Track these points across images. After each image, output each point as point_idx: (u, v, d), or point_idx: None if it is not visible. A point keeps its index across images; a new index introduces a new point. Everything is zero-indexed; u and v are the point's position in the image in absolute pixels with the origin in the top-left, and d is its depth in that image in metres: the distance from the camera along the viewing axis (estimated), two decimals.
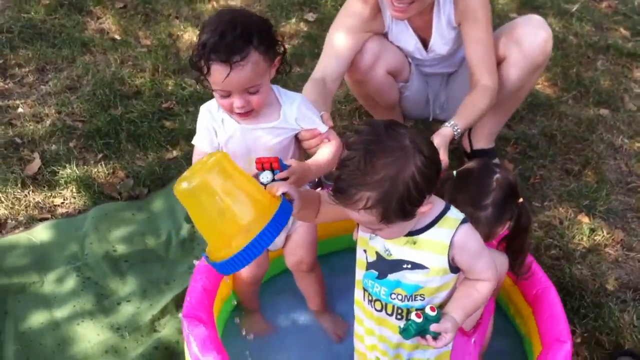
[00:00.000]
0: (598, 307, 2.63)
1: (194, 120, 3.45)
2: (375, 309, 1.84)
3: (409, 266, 1.74)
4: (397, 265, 1.75)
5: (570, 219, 3.07)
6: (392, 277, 1.77)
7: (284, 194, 1.75)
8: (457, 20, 2.77)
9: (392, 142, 1.59)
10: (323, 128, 2.19)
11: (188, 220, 2.93)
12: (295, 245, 2.37)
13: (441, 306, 1.79)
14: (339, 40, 2.71)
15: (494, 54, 2.76)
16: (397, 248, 1.74)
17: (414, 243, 1.72)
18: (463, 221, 1.72)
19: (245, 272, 2.35)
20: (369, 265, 1.81)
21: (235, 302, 2.54)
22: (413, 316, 1.73)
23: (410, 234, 1.72)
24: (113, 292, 2.63)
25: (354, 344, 2.03)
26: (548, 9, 4.79)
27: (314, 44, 4.20)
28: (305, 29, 4.37)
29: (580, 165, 3.41)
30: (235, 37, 1.92)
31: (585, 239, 2.98)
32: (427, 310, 1.74)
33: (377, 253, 1.78)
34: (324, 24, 4.38)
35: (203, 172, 1.66)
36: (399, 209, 1.59)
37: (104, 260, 2.74)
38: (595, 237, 2.99)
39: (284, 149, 2.16)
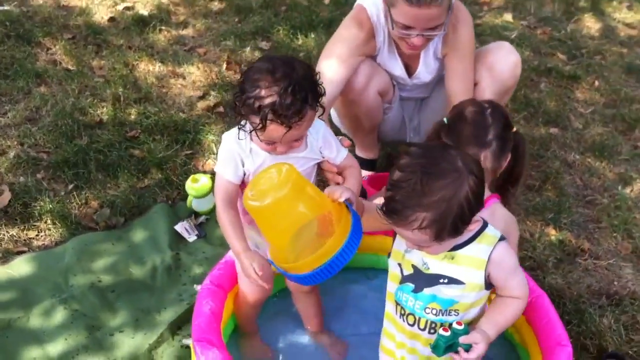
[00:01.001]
0: (580, 313, 2.76)
1: (164, 149, 3.48)
2: (408, 323, 1.88)
3: (446, 281, 1.80)
4: (434, 279, 1.80)
5: (540, 232, 3.21)
6: (428, 291, 1.82)
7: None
8: (444, 52, 2.88)
9: (446, 164, 1.66)
10: (344, 152, 2.22)
11: (172, 247, 2.89)
12: None
13: (472, 323, 1.84)
14: (334, 66, 2.76)
15: (473, 85, 2.89)
16: (435, 262, 1.79)
17: (452, 258, 1.78)
18: (501, 238, 1.79)
19: (253, 294, 2.34)
20: (405, 279, 1.85)
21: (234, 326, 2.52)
22: (441, 331, 1.77)
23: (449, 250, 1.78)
24: (104, 323, 2.56)
25: (380, 358, 2.06)
26: (488, 36, 5.01)
27: None
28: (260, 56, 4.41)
29: (540, 181, 3.57)
30: (294, 100, 1.88)
31: (556, 250, 3.12)
32: (454, 325, 1.79)
33: (413, 266, 1.83)
34: (278, 51, 4.45)
35: (277, 189, 1.69)
36: (452, 228, 1.66)
37: (90, 291, 2.66)
38: (565, 248, 3.14)
39: (308, 175, 2.18)
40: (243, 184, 2.16)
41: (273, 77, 1.90)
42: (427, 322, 1.85)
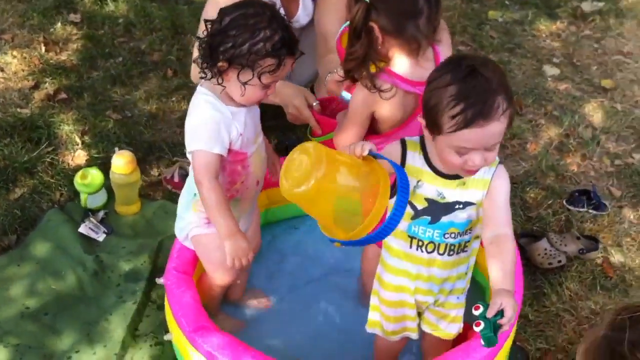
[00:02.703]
0: None
1: (20, 152, 3.13)
2: (427, 251, 1.96)
3: (461, 206, 1.89)
4: (451, 207, 1.89)
5: None
6: (445, 219, 1.90)
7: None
8: None
9: (478, 58, 1.84)
10: None
11: (88, 252, 2.68)
12: (254, 231, 2.36)
13: (479, 236, 1.96)
14: None
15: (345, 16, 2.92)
16: (450, 191, 1.88)
17: (464, 184, 1.89)
18: (499, 162, 1.91)
19: (228, 278, 2.27)
20: (419, 213, 1.91)
21: None
22: (474, 327, 1.70)
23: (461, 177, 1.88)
24: (54, 349, 2.35)
25: (382, 299, 2.10)
26: None
27: (97, 43, 3.96)
28: (76, 31, 4.07)
29: None
30: (291, 30, 1.96)
31: None
32: (473, 311, 1.73)
33: (427, 199, 1.90)
34: (92, 22, 4.14)
35: (315, 168, 1.65)
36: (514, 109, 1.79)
37: (23, 321, 2.41)
38: None
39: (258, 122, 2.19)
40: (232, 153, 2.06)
41: (266, 17, 1.92)
42: (446, 246, 1.94)
